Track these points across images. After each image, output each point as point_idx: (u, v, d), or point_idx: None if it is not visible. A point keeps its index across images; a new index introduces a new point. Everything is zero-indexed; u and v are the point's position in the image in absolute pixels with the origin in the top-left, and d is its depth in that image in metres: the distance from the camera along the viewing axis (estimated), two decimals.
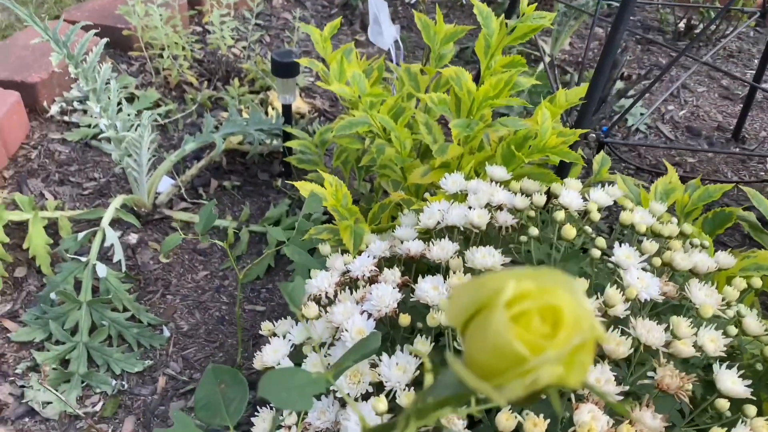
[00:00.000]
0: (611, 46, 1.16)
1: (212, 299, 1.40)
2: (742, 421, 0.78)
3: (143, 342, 1.28)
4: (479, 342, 0.29)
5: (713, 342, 0.83)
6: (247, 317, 1.36)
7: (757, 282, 1.02)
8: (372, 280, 0.94)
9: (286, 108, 1.61)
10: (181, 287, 1.42)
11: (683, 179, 1.31)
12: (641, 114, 1.91)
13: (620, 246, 0.93)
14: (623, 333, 0.81)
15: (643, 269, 0.92)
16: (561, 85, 1.81)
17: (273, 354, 0.90)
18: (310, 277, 1.01)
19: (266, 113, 1.89)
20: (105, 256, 1.42)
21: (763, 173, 1.86)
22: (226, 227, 1.53)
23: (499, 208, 1.02)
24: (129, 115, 1.48)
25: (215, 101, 1.94)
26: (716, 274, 1.04)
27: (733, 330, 0.87)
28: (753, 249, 1.34)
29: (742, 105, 1.92)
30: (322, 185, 1.20)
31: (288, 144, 1.53)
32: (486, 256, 0.88)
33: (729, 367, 0.81)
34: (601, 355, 0.80)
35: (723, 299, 0.90)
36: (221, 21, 2.03)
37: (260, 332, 1.03)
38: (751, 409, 0.79)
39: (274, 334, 0.99)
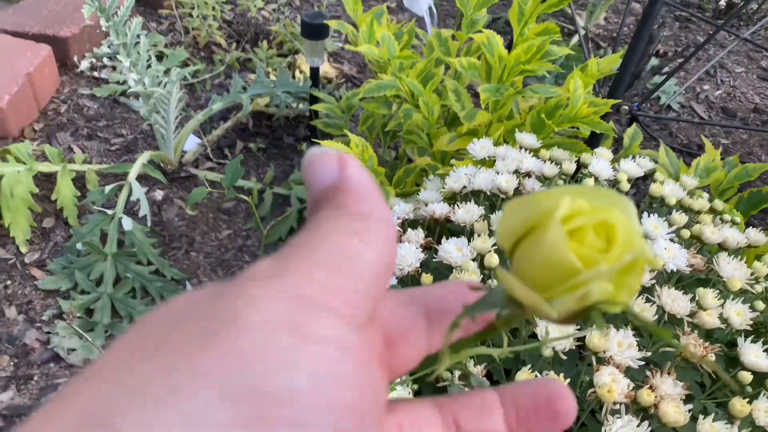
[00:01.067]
0: (649, 17, 1.13)
1: (235, 258, 1.41)
2: (764, 395, 0.77)
3: (166, 296, 1.30)
4: (530, 258, 0.28)
5: (739, 315, 0.82)
6: None
7: None
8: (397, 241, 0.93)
9: (314, 71, 1.60)
10: (204, 245, 1.43)
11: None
12: (674, 92, 1.87)
13: (648, 216, 0.92)
14: (647, 301, 0.80)
15: (671, 240, 0.91)
16: None
17: None
18: None
19: (293, 77, 1.88)
20: (131, 210, 1.43)
21: None
22: (251, 188, 1.54)
23: (527, 175, 1.01)
24: (158, 72, 1.48)
25: (243, 63, 1.94)
26: (745, 251, 1.02)
27: (760, 305, 0.86)
28: None
29: None
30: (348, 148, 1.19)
31: (314, 107, 1.52)
32: None
33: (754, 341, 0.80)
34: (623, 322, 0.79)
35: (752, 274, 0.89)
36: None
37: None
38: None
39: None
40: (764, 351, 0.80)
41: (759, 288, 0.90)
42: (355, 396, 0.20)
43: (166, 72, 1.77)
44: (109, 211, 1.34)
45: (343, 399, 0.19)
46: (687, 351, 0.76)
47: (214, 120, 1.72)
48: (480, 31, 1.33)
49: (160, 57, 1.88)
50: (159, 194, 1.51)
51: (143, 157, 1.44)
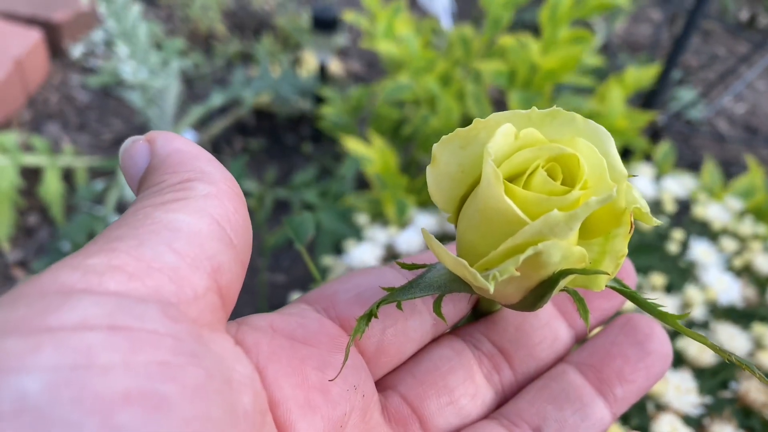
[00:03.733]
0: (690, 27, 1.06)
1: None
2: None
3: None
4: (469, 215, 0.21)
5: None
6: (268, 289, 1.28)
7: None
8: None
9: (321, 68, 1.51)
10: None
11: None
12: (697, 105, 1.81)
13: (697, 242, 0.84)
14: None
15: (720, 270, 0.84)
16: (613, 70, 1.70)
17: None
18: (336, 250, 0.93)
19: (298, 73, 1.79)
20: (123, 208, 1.33)
21: None
22: (250, 190, 1.45)
23: None
24: (155, 63, 1.39)
25: (245, 56, 1.85)
26: None
27: None
28: None
29: None
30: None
31: (322, 107, 1.43)
32: None
33: None
34: (680, 361, 0.71)
35: None
36: None
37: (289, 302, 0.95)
38: None
39: None
40: None
41: None
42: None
43: (165, 63, 1.67)
44: (100, 208, 1.24)
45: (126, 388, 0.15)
46: (748, 398, 0.69)
47: (213, 116, 1.63)
48: (504, 33, 1.25)
49: (156, 47, 1.78)
50: None
51: None
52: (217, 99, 1.50)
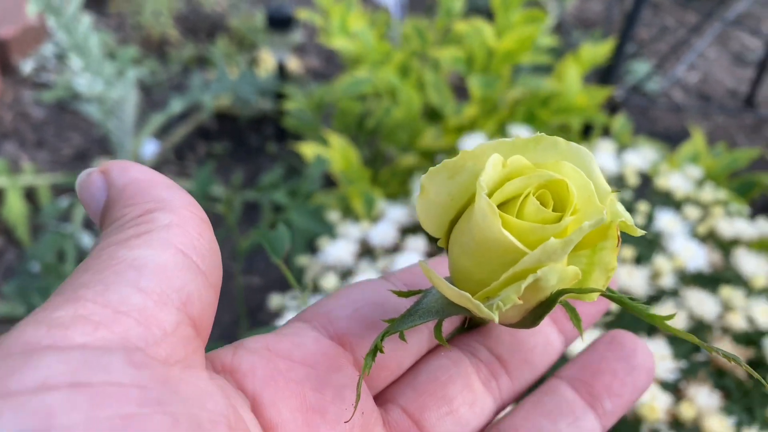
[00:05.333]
0: (641, 2, 1.08)
1: None
2: None
3: None
4: (463, 244, 0.22)
5: (765, 314, 0.77)
6: (245, 293, 1.28)
7: None
8: (394, 248, 0.86)
9: (280, 66, 1.51)
10: None
11: None
12: (651, 77, 1.84)
13: (661, 213, 0.86)
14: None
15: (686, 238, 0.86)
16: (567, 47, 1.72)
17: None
18: (310, 248, 0.93)
19: (256, 72, 1.78)
20: (90, 224, 1.31)
21: None
22: (218, 195, 1.44)
23: None
24: (110, 74, 1.37)
25: (201, 60, 1.83)
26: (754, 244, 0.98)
27: None
28: None
29: (754, 70, 1.86)
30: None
31: (285, 105, 1.43)
32: None
33: None
34: (653, 329, 0.73)
35: None
36: None
37: (268, 307, 0.95)
38: None
39: (284, 309, 0.91)
40: None
41: None
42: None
43: (120, 73, 1.65)
44: (67, 226, 1.23)
45: None
46: (719, 360, 0.71)
47: (174, 123, 1.61)
48: (458, 21, 1.26)
49: (109, 57, 1.75)
50: None
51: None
52: (176, 105, 1.48)
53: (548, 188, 0.21)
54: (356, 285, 0.27)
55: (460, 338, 0.28)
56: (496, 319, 0.19)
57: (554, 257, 0.19)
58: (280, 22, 1.41)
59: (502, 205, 0.21)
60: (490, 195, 0.20)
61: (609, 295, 0.23)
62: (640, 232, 0.22)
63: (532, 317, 0.22)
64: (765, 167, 1.51)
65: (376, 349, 0.22)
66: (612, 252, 0.22)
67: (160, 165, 1.51)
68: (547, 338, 0.27)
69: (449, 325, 0.28)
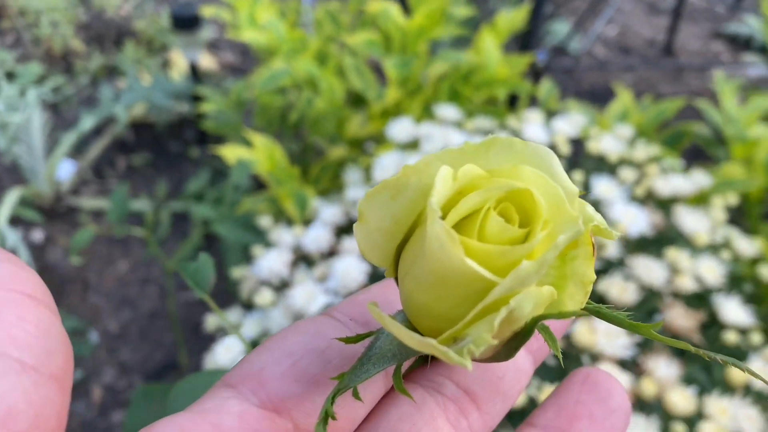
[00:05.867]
0: None
1: (140, 293, 1.24)
2: (753, 353, 0.71)
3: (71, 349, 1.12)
4: (416, 276, 0.19)
5: (712, 272, 0.76)
6: (183, 309, 1.22)
7: (732, 199, 0.96)
8: (331, 253, 0.82)
9: (193, 67, 1.43)
10: (102, 284, 1.25)
11: None
12: (574, 38, 1.83)
13: (597, 179, 0.84)
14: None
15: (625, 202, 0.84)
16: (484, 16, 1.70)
17: (227, 353, 0.77)
18: (246, 257, 0.89)
19: (170, 76, 1.70)
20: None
21: (696, 85, 1.83)
22: (143, 210, 1.37)
23: None
24: (10, 96, 1.27)
25: (110, 69, 1.73)
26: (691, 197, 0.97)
27: (727, 255, 0.81)
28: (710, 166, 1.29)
29: (668, 18, 1.87)
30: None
31: (202, 108, 1.36)
32: None
33: (730, 297, 0.75)
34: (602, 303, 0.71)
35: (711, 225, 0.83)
36: None
37: (205, 328, 0.90)
38: (756, 338, 0.72)
39: (223, 330, 0.86)
40: (741, 305, 0.74)
41: (719, 237, 0.85)
42: None
43: (21, 93, 1.54)
44: None
45: None
46: (675, 325, 0.69)
47: (88, 139, 1.52)
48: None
49: (9, 76, 1.64)
50: (39, 235, 1.31)
51: (11, 196, 1.24)
52: (87, 122, 1.40)
53: (510, 200, 0.18)
54: (293, 329, 0.23)
55: (422, 373, 0.24)
56: (470, 367, 0.16)
57: (527, 282, 0.17)
58: (186, 22, 1.33)
59: (458, 225, 0.18)
60: (444, 217, 0.17)
61: (587, 308, 0.20)
62: (616, 235, 0.19)
63: (506, 351, 0.19)
64: (691, 115, 1.53)
65: (327, 417, 0.19)
66: (587, 261, 0.19)
67: (78, 186, 1.42)
68: (516, 363, 0.24)
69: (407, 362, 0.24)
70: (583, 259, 0.19)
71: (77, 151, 1.47)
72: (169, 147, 1.54)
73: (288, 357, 0.21)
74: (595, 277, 0.19)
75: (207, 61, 1.77)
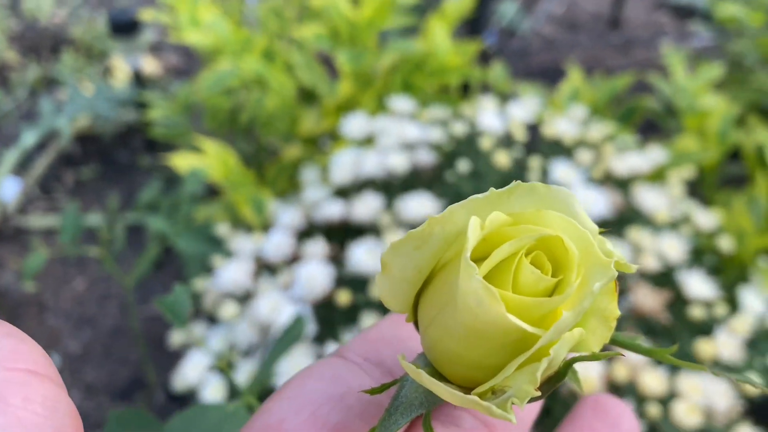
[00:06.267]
0: None
1: (99, 310, 1.21)
2: (718, 325, 0.72)
3: None
4: (445, 327, 0.19)
5: (674, 248, 0.77)
6: (145, 324, 1.19)
7: (688, 173, 0.97)
8: (293, 259, 0.80)
9: (136, 73, 1.39)
10: (59, 304, 1.21)
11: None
12: (523, 19, 1.83)
13: (557, 164, 0.84)
14: None
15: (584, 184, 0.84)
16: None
17: (194, 370, 0.75)
18: (207, 267, 0.86)
19: (112, 83, 1.64)
20: None
21: (645, 58, 1.85)
22: (96, 225, 1.32)
23: (413, 146, 0.90)
24: None
25: (49, 81, 1.67)
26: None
27: (687, 230, 0.82)
28: (663, 138, 1.31)
29: None
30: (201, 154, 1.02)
31: (148, 115, 1.32)
32: (420, 205, 0.76)
33: (692, 271, 0.76)
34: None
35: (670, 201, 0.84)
36: None
37: (171, 344, 0.87)
38: (721, 309, 0.73)
39: (188, 346, 0.83)
40: (704, 278, 0.75)
41: (678, 213, 0.86)
42: None
43: None
44: None
45: None
46: (643, 307, 0.70)
47: (31, 154, 1.46)
48: None
49: None
50: None
51: None
52: (29, 138, 1.35)
53: (541, 247, 0.18)
54: (308, 375, 0.22)
55: (439, 408, 0.24)
56: (515, 421, 0.17)
57: (565, 331, 0.17)
58: (124, 27, 1.29)
59: (490, 275, 0.18)
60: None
61: (612, 340, 0.20)
62: (634, 268, 0.19)
63: (541, 393, 0.19)
64: (641, 88, 1.54)
65: None
66: (611, 297, 0.19)
67: (25, 205, 1.37)
68: None
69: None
70: (606, 295, 0.19)
71: (21, 168, 1.41)
72: (117, 157, 1.49)
73: (307, 406, 0.21)
74: (618, 312, 0.19)
75: (150, 65, 1.72)
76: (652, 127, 1.48)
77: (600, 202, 0.78)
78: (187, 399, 1.06)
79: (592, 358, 0.18)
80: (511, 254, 0.18)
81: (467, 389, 0.19)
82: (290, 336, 0.52)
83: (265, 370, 0.50)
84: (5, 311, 1.19)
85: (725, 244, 0.83)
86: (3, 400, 0.16)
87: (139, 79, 1.40)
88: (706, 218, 0.83)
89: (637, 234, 0.75)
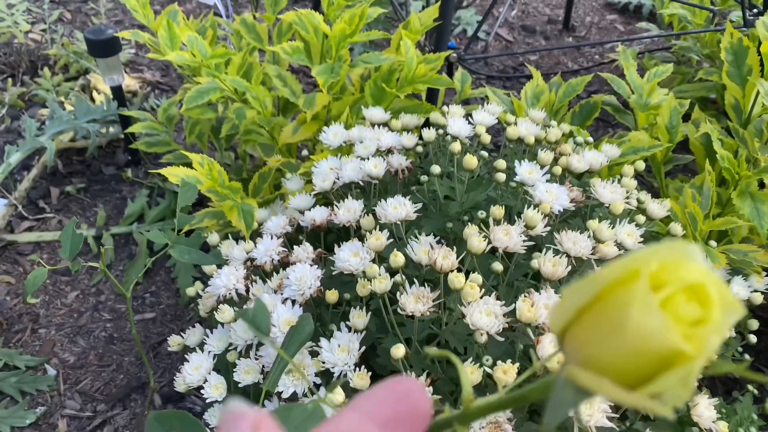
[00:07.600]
0: None
1: (92, 320, 1.25)
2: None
3: (27, 389, 1.13)
4: (608, 344, 0.24)
5: (630, 236, 0.84)
6: (139, 328, 1.24)
7: (641, 165, 1.05)
8: (282, 263, 0.86)
9: (116, 89, 1.44)
10: (52, 316, 1.25)
11: (529, 78, 1.32)
12: (477, 22, 1.91)
13: (521, 164, 0.91)
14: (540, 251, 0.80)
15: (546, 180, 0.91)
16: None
17: (196, 372, 0.81)
18: (199, 271, 0.92)
19: (92, 100, 1.68)
20: None
21: (597, 57, 1.94)
22: (85, 238, 1.37)
23: (389, 151, 0.97)
24: None
25: (29, 100, 1.71)
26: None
27: (641, 219, 0.89)
28: (618, 132, 1.39)
29: None
30: (188, 166, 1.08)
31: (130, 129, 1.37)
32: (397, 206, 0.83)
33: None
34: (537, 277, 0.79)
35: (627, 192, 0.92)
36: (8, 4, 1.76)
37: (168, 347, 0.93)
38: None
39: (187, 348, 0.89)
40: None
41: (633, 203, 0.94)
42: None
43: None
44: None
45: None
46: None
47: (16, 173, 1.50)
48: (284, 10, 1.24)
49: None
50: None
51: None
52: (13, 158, 1.39)
53: (692, 289, 0.23)
54: None
55: None
56: (671, 415, 0.22)
57: (711, 352, 0.22)
58: (102, 45, 1.33)
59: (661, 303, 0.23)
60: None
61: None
62: (744, 311, 0.24)
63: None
64: (595, 84, 1.63)
65: None
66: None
67: (12, 222, 1.41)
68: None
69: None
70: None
71: (6, 187, 1.45)
72: (102, 171, 1.54)
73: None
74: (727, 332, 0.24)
75: (130, 81, 1.76)
76: (608, 118, 1.56)
77: (562, 196, 0.86)
78: (181, 402, 1.12)
79: (736, 369, 0.23)
80: (671, 294, 0.22)
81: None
82: (300, 330, 0.59)
83: (281, 366, 0.56)
84: None
85: (677, 229, 0.91)
86: None
87: (120, 96, 1.44)
88: (658, 208, 0.91)
89: (596, 225, 0.82)
